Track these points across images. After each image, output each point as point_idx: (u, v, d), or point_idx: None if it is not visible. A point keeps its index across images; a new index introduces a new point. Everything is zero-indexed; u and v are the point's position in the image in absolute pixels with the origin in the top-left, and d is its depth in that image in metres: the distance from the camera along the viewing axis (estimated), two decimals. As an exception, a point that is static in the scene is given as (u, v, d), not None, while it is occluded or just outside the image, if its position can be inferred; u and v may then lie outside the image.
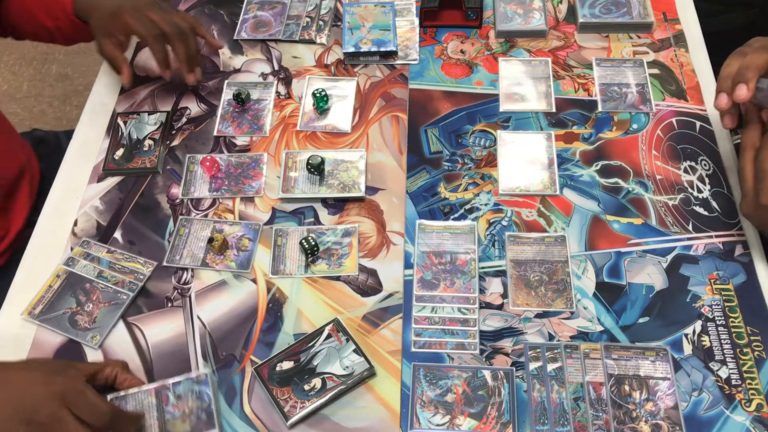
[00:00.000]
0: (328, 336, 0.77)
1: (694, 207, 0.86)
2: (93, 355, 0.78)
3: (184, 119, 0.99)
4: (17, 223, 1.01)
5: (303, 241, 0.82)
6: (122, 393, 0.74)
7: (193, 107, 1.00)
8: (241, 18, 1.10)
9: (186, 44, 0.94)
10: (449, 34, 1.06)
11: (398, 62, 1.03)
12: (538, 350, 0.76)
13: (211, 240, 0.84)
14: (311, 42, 1.06)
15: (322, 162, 0.90)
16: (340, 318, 0.79)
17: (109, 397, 0.73)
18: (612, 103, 0.96)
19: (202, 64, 1.05)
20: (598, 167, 0.90)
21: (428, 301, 0.80)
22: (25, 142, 1.09)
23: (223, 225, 0.87)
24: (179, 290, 0.83)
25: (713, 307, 0.78)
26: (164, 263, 0.84)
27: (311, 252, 0.82)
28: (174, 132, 0.98)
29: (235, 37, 1.08)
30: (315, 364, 0.75)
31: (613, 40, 1.04)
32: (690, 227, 0.85)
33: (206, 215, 0.89)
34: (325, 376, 0.74)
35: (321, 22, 1.08)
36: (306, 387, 0.74)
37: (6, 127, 1.04)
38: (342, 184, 0.90)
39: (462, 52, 1.04)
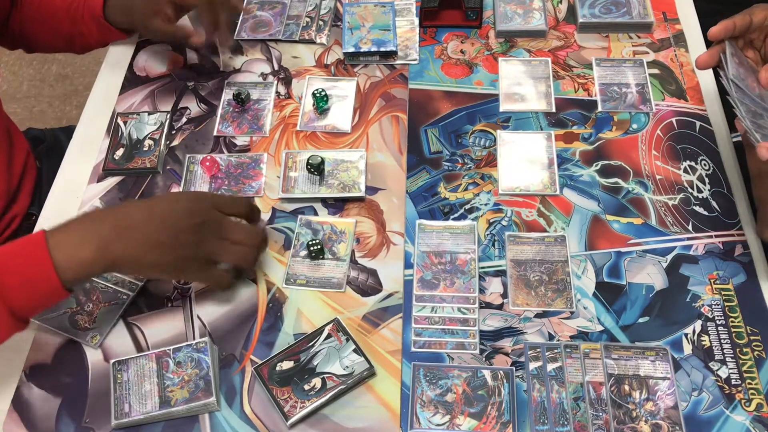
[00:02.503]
0: (328, 336, 0.77)
1: (694, 207, 0.86)
2: (93, 355, 0.78)
3: (184, 119, 0.99)
4: (17, 222, 1.01)
5: (309, 242, 0.83)
6: (123, 358, 0.76)
7: (193, 107, 1.00)
8: (240, 18, 1.10)
9: (227, 10, 0.99)
10: (449, 34, 1.06)
11: (398, 62, 1.03)
12: (538, 350, 0.76)
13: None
14: (311, 42, 1.06)
15: (322, 162, 0.90)
16: (340, 318, 0.79)
17: (111, 361, 0.76)
18: (612, 103, 0.96)
19: (201, 64, 1.06)
20: (598, 167, 0.90)
21: (428, 300, 0.80)
22: (24, 141, 1.09)
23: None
24: (179, 290, 0.83)
25: (713, 306, 0.78)
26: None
27: (316, 255, 0.83)
28: (174, 132, 0.98)
29: (234, 37, 1.08)
30: (315, 363, 0.75)
31: (613, 40, 1.04)
32: (690, 227, 0.85)
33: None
34: (325, 375, 0.74)
35: (321, 22, 1.08)
36: (306, 387, 0.74)
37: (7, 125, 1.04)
38: (342, 184, 0.90)
39: (462, 52, 1.04)
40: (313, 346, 0.76)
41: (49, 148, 1.13)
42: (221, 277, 0.79)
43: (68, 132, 1.01)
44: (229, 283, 0.81)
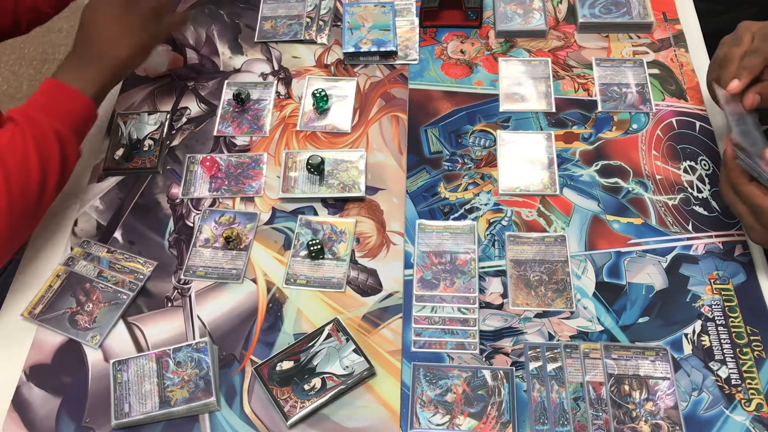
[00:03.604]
0: (328, 336, 0.77)
1: (693, 207, 0.86)
2: (93, 355, 0.78)
3: (184, 119, 0.99)
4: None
5: (309, 242, 0.83)
6: (123, 358, 0.76)
7: (193, 107, 1.00)
8: (259, 19, 1.10)
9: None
10: (449, 34, 1.06)
11: (398, 62, 1.03)
12: (538, 350, 0.76)
13: (228, 239, 0.84)
14: (312, 42, 1.06)
15: (322, 162, 0.90)
16: (340, 318, 0.79)
17: (111, 361, 0.76)
18: (612, 103, 0.96)
19: (201, 64, 1.05)
20: (598, 167, 0.90)
21: (428, 300, 0.80)
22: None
23: (223, 217, 0.88)
24: (179, 290, 0.83)
25: (713, 306, 0.78)
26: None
27: (316, 255, 0.83)
28: (174, 132, 0.98)
29: (257, 40, 1.07)
30: (315, 363, 0.75)
31: (613, 40, 1.04)
32: (690, 227, 0.85)
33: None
34: (325, 375, 0.74)
35: (321, 22, 1.08)
36: (306, 387, 0.74)
37: None
38: (342, 184, 0.90)
39: (462, 52, 1.04)
40: (313, 346, 0.77)
41: None
42: (171, 22, 0.96)
43: None
44: (186, 16, 1.00)
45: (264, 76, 1.04)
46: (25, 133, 0.79)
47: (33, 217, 0.81)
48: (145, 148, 0.96)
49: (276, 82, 1.02)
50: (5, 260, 0.80)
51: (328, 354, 0.76)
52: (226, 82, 1.03)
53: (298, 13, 1.10)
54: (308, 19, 1.09)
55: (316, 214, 0.88)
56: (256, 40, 1.07)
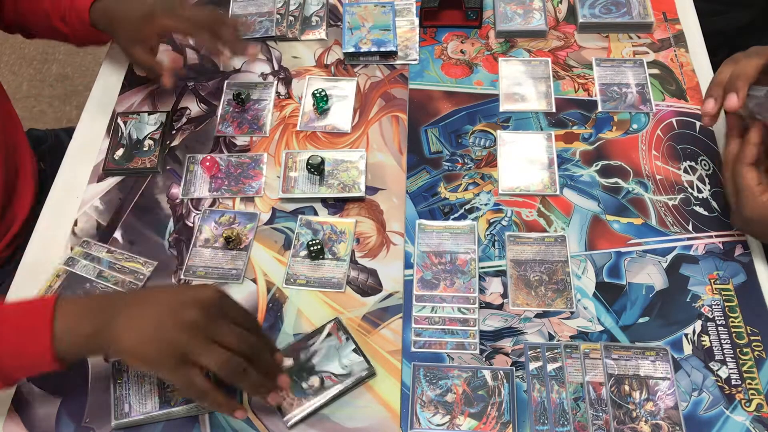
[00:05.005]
0: (329, 334, 0.77)
1: (694, 207, 0.86)
2: (93, 355, 0.78)
3: (184, 119, 0.99)
4: (18, 221, 1.01)
5: (309, 243, 0.83)
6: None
7: (193, 107, 1.00)
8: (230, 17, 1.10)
9: (226, 27, 0.94)
10: (449, 34, 1.06)
11: (398, 62, 1.03)
12: (538, 350, 0.76)
13: (228, 239, 0.84)
14: (283, 39, 1.06)
15: (322, 162, 0.90)
16: (340, 318, 0.79)
17: (111, 361, 0.76)
18: (612, 103, 0.96)
19: (201, 64, 1.05)
20: (598, 167, 0.90)
21: (428, 300, 0.80)
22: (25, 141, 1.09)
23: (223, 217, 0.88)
24: (179, 290, 0.83)
25: (713, 307, 0.78)
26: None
27: (316, 255, 0.83)
28: (174, 132, 0.98)
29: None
30: (314, 362, 0.75)
31: (613, 40, 1.04)
32: (690, 227, 0.85)
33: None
34: (324, 374, 0.74)
35: (291, 18, 1.08)
36: (304, 385, 0.74)
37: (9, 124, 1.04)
38: (342, 184, 0.90)
39: (462, 52, 1.04)
40: (313, 344, 0.76)
41: (51, 148, 1.13)
42: (197, 384, 0.66)
43: (70, 133, 1.01)
44: (206, 391, 0.66)
45: (264, 76, 1.04)
46: None
47: None
48: (145, 148, 0.96)
49: (276, 82, 1.02)
50: None
51: (328, 353, 0.76)
52: (226, 82, 1.03)
53: (268, 10, 1.10)
54: (278, 16, 1.08)
55: (316, 214, 0.88)
56: None
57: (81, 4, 0.97)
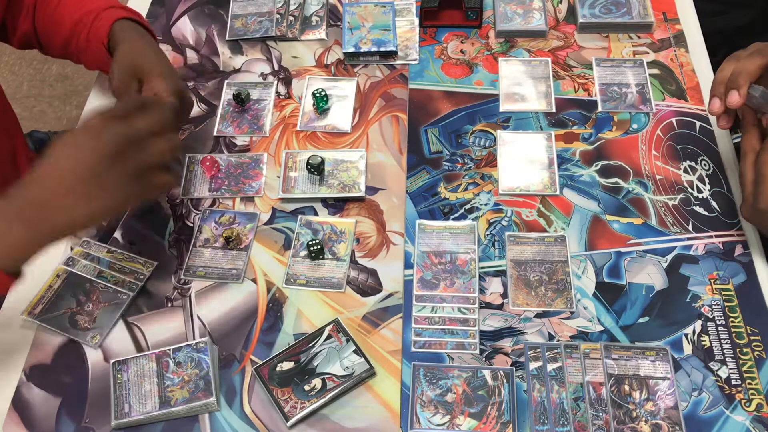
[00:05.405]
0: (329, 336, 0.77)
1: (694, 207, 0.86)
2: (93, 355, 0.78)
3: (184, 119, 0.99)
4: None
5: (309, 242, 0.83)
6: (123, 358, 0.76)
7: (193, 107, 1.00)
8: (230, 17, 1.10)
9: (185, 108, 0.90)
10: (449, 34, 1.06)
11: (398, 62, 1.03)
12: (538, 350, 0.76)
13: (227, 239, 0.84)
14: (283, 38, 1.06)
15: (322, 162, 0.90)
16: (340, 318, 0.79)
17: (111, 361, 0.76)
18: (612, 103, 0.96)
19: (201, 64, 1.05)
20: (598, 167, 0.90)
21: (428, 300, 0.80)
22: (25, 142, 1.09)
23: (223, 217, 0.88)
24: (179, 290, 0.83)
25: (713, 306, 0.78)
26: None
27: (316, 255, 0.83)
28: (174, 132, 0.98)
29: (228, 38, 1.07)
30: (315, 364, 0.75)
31: (613, 40, 1.04)
32: (690, 227, 0.85)
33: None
34: (325, 376, 0.74)
35: (291, 18, 1.08)
36: (306, 387, 0.74)
37: (9, 124, 1.04)
38: (342, 184, 0.90)
39: (462, 52, 1.04)
40: (313, 346, 0.77)
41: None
42: (163, 182, 0.73)
43: None
44: (174, 180, 0.76)
45: (264, 76, 1.04)
46: None
47: None
48: (145, 148, 0.95)
49: (276, 82, 1.02)
50: None
51: (329, 355, 0.76)
52: (226, 82, 1.03)
53: (268, 10, 1.10)
54: (278, 16, 1.08)
55: (316, 214, 0.88)
56: (227, 38, 1.07)
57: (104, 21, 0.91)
